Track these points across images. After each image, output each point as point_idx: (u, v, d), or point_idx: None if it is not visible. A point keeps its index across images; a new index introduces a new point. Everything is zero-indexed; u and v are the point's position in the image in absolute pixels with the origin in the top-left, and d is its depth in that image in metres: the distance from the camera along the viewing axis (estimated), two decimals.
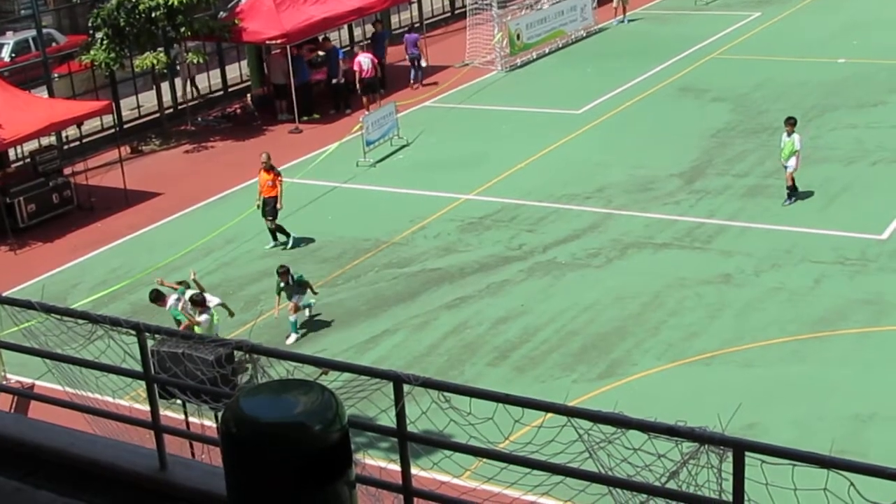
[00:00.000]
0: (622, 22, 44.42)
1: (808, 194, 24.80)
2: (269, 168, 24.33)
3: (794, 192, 24.68)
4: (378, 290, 21.84)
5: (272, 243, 24.32)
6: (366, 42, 38.65)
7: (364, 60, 34.31)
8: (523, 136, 30.80)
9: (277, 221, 24.32)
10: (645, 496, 6.47)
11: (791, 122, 24.88)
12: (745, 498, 5.84)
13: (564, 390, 17.63)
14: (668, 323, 19.77)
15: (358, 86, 34.39)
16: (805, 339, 18.88)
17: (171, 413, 8.47)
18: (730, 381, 17.70)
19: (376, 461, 7.94)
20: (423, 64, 38.13)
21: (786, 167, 24.69)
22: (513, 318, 20.36)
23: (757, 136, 29.60)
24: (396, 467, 6.47)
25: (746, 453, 5.80)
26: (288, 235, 24.28)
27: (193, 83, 36.14)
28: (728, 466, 5.83)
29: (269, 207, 24.16)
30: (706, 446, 5.91)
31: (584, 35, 42.12)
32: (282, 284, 20.10)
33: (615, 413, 6.20)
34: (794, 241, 22.83)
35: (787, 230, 23.43)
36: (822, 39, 39.04)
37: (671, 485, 6.22)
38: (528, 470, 6.43)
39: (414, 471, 6.56)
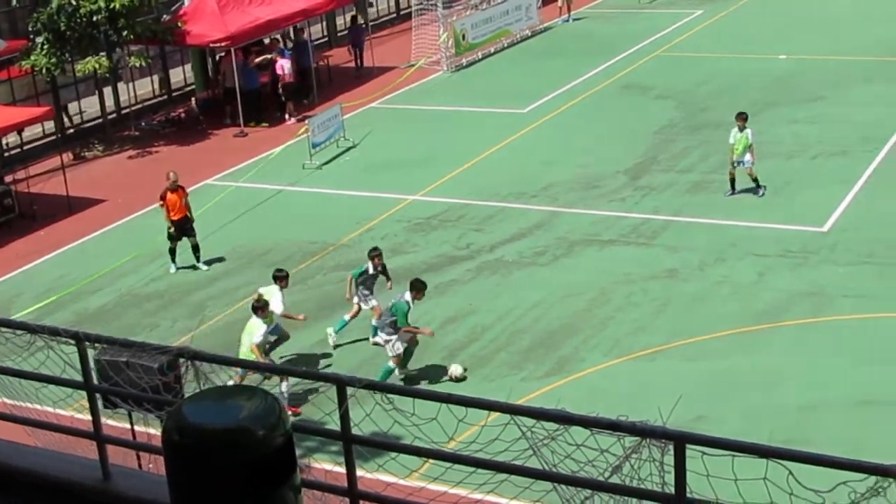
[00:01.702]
0: (567, 21, 44.62)
1: (752, 189, 25.02)
2: (177, 188, 23.35)
3: (759, 185, 24.90)
4: (326, 293, 21.79)
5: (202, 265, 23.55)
6: (290, 48, 38.32)
7: (286, 65, 34.14)
8: (470, 135, 30.86)
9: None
10: (589, 492, 6.53)
11: (743, 117, 25.01)
12: (688, 490, 5.91)
13: (513, 388, 17.69)
14: (615, 319, 19.90)
15: (281, 91, 34.20)
16: (749, 331, 19.07)
17: (115, 422, 8.41)
18: (677, 375, 17.83)
19: (322, 465, 7.95)
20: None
21: (741, 163, 24.79)
22: (461, 317, 20.40)
23: (700, 132, 29.86)
24: (342, 470, 6.48)
25: (688, 446, 5.87)
26: (198, 259, 23.51)
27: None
28: (670, 459, 5.90)
29: (188, 226, 23.34)
30: (648, 440, 5.96)
31: (530, 34, 42.29)
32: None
33: (558, 410, 6.25)
34: (738, 236, 23.07)
35: (731, 224, 23.67)
36: (764, 36, 39.44)
37: (614, 479, 6.26)
38: (473, 469, 6.48)
39: (360, 473, 6.57)
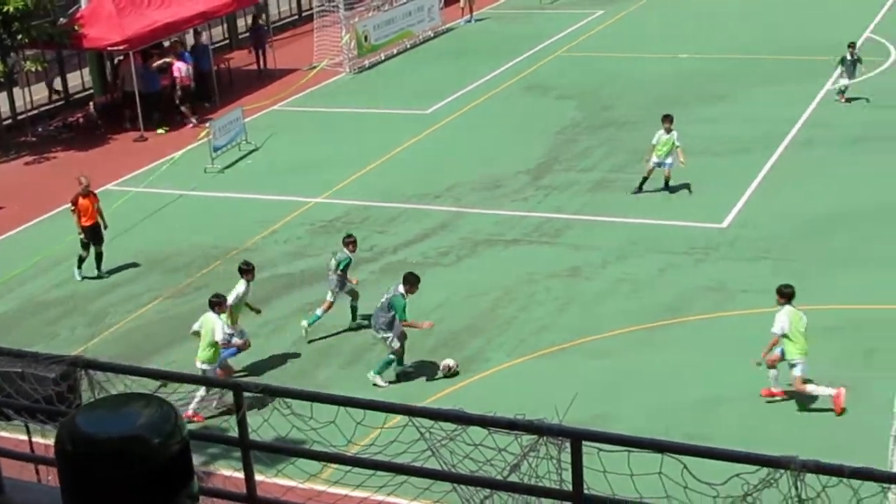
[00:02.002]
0: (469, 21, 44.79)
1: (655, 187, 25.32)
2: (89, 193, 22.85)
3: (669, 186, 25.24)
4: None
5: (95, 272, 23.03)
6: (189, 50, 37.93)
7: (183, 68, 33.76)
8: (373, 137, 30.81)
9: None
10: (488, 491, 6.56)
11: (669, 119, 25.16)
12: (585, 486, 5.97)
13: (418, 390, 17.74)
14: (519, 318, 20.02)
15: (178, 94, 33.79)
16: (652, 327, 19.31)
17: (10, 434, 8.24)
18: (580, 373, 17.99)
19: (223, 471, 7.88)
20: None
21: (664, 164, 24.97)
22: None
23: (602, 131, 30.16)
24: (242, 476, 6.44)
25: (584, 442, 5.92)
26: (99, 267, 23.02)
27: (53, 87, 35.51)
28: (568, 457, 5.95)
29: (99, 233, 22.90)
30: (545, 438, 6.01)
31: (432, 35, 42.36)
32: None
33: (455, 410, 6.27)
34: (640, 233, 23.35)
35: (633, 222, 23.95)
36: (665, 35, 39.98)
37: (513, 478, 6.29)
38: (372, 472, 6.48)
39: (259, 478, 6.53)
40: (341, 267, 19.74)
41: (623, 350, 18.60)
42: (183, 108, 33.58)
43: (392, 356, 18.28)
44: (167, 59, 34.19)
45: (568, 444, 5.94)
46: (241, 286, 18.77)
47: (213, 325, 17.38)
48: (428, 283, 21.40)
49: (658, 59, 37.06)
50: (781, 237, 22.64)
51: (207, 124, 30.06)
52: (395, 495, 6.99)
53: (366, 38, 38.83)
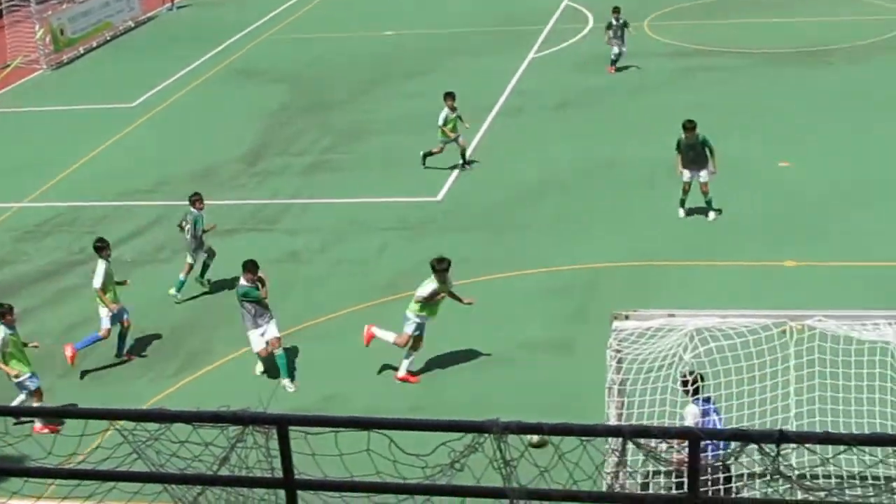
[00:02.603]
0: (171, 10, 43.80)
1: (372, 165, 25.42)
2: None
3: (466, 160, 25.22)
4: None
5: None
6: None
7: None
8: (76, 135, 29.67)
9: None
10: (200, 487, 6.38)
11: (452, 97, 24.77)
12: (295, 471, 5.87)
13: (141, 392, 17.19)
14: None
15: None
16: (375, 305, 19.38)
17: None
18: (308, 357, 17.90)
19: None
20: None
21: (456, 139, 24.78)
22: (80, 324, 19.53)
23: (313, 114, 30.05)
24: None
25: (290, 428, 5.82)
26: None
27: None
28: (276, 444, 5.84)
29: None
30: (250, 427, 5.87)
31: (133, 25, 41.25)
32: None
33: (156, 409, 6.06)
34: (357, 213, 23.40)
35: (349, 202, 23.98)
36: (370, 14, 40.18)
37: (224, 471, 6.13)
38: (77, 482, 6.19)
39: None
40: (197, 226, 19.73)
41: (348, 331, 18.53)
42: None
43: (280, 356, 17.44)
44: None
45: (275, 432, 5.84)
46: (101, 266, 17.92)
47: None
48: (146, 279, 20.89)
49: (365, 37, 37.25)
50: (495, 206, 23.15)
51: None
52: (106, 502, 6.70)
53: (62, 31, 37.34)
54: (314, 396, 16.51)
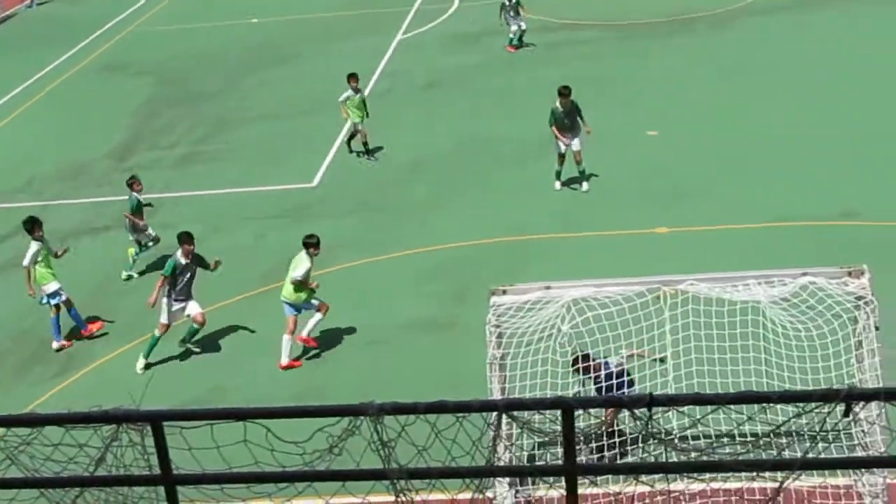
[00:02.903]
0: (31, 7, 42.81)
1: (246, 153, 25.19)
2: None
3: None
4: None
5: None
6: None
7: None
8: None
9: None
10: (77, 489, 6.29)
11: (356, 77, 24.40)
12: (174, 466, 5.82)
13: (22, 396, 16.86)
14: (119, 306, 19.42)
15: None
16: (256, 294, 19.25)
17: None
18: (188, 351, 17.71)
19: None
20: None
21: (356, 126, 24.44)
22: None
23: (183, 105, 29.71)
24: None
25: (165, 423, 5.78)
26: None
27: None
28: (152, 441, 5.79)
29: None
30: (124, 425, 5.81)
31: None
32: None
33: (26, 414, 5.97)
34: (232, 203, 23.21)
35: (225, 193, 23.76)
36: (233, 1, 39.74)
37: (101, 472, 6.06)
38: None
39: None
40: (131, 207, 20.08)
41: (231, 320, 18.42)
42: None
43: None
44: None
45: (150, 428, 5.79)
46: (33, 247, 18.06)
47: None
48: (16, 286, 20.39)
49: (231, 25, 36.87)
50: (371, 189, 23.15)
51: None
52: None
53: None
54: (198, 389, 16.37)
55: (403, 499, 5.71)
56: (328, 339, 17.56)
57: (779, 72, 27.24)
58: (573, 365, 13.10)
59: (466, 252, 19.94)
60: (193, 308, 17.28)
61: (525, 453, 13.14)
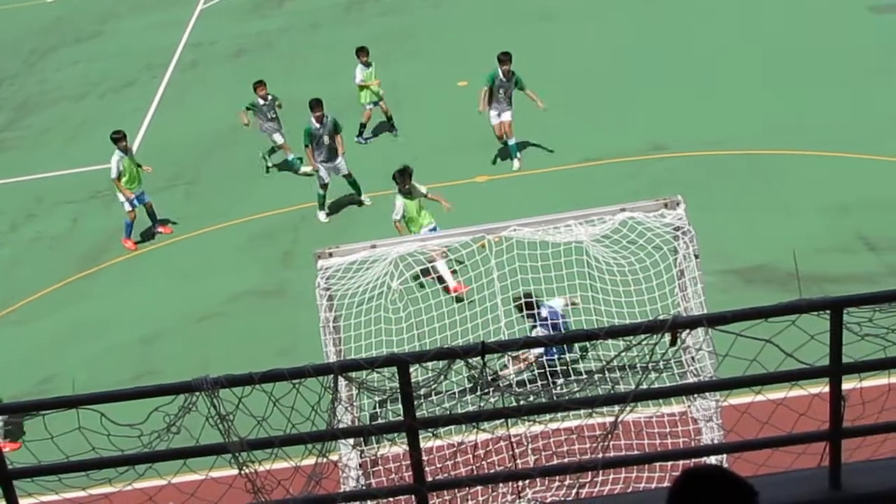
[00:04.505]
0: None
1: (53, 137, 24.45)
2: None
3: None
4: None
5: None
6: None
7: None
8: None
9: None
10: None
11: (365, 52, 22.69)
12: (8, 463, 5.69)
13: None
14: None
15: None
16: (77, 279, 18.80)
17: None
18: (15, 342, 17.20)
19: None
20: None
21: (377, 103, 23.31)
22: None
23: None
24: None
25: None
26: None
27: None
28: None
29: None
30: None
31: None
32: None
33: None
34: (44, 188, 22.54)
35: (32, 179, 23.05)
36: None
37: None
38: None
39: None
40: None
41: (53, 308, 17.96)
42: None
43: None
44: None
45: None
46: (115, 157, 19.24)
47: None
48: None
49: (22, 7, 35.66)
50: (187, 161, 22.77)
51: None
52: None
53: None
54: (31, 381, 15.90)
55: (247, 471, 5.70)
56: (160, 320, 17.24)
57: (576, 14, 27.74)
58: (516, 303, 13.38)
59: (291, 217, 19.82)
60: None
61: (367, 413, 13.22)
